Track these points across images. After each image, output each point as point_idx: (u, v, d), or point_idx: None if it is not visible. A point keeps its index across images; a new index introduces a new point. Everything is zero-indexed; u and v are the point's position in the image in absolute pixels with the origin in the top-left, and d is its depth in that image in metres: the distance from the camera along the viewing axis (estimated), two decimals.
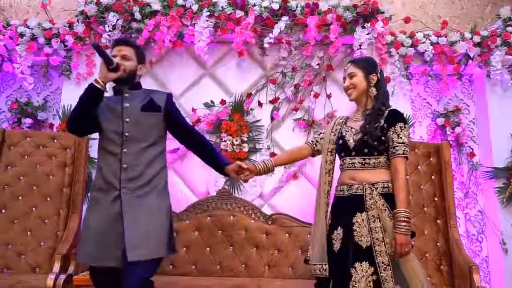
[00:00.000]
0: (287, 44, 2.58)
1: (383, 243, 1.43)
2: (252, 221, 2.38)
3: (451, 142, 2.61)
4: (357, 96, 1.63)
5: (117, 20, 2.55)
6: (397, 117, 1.55)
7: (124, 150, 1.56)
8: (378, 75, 1.62)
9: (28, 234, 2.25)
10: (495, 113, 2.63)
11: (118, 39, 1.81)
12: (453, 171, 2.60)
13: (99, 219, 1.53)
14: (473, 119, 2.77)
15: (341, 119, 1.72)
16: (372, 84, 1.60)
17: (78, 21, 2.60)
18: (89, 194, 1.67)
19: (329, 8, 2.53)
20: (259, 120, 2.65)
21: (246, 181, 1.76)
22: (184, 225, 2.35)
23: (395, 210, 1.44)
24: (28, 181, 2.33)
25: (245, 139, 2.58)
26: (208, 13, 2.53)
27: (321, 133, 1.78)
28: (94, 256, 1.51)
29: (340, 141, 1.61)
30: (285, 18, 2.53)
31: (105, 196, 1.55)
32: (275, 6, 2.54)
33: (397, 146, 1.50)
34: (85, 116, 1.55)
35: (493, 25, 2.72)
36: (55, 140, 2.42)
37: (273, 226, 2.37)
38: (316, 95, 2.61)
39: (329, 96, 2.64)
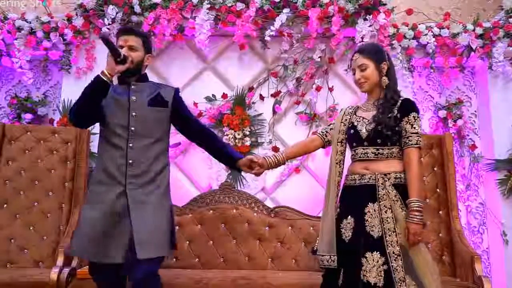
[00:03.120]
0: (288, 37, 2.56)
1: (395, 233, 1.43)
2: (255, 214, 2.38)
3: (453, 134, 2.61)
4: (370, 88, 1.59)
5: (117, 13, 2.53)
6: (410, 107, 1.54)
7: (130, 145, 1.51)
8: (388, 61, 1.58)
9: (31, 228, 2.24)
10: (497, 105, 2.63)
11: (124, 28, 1.67)
12: (455, 163, 2.61)
13: (102, 214, 1.47)
14: (475, 111, 2.77)
15: (350, 109, 1.69)
16: (384, 74, 1.57)
17: (77, 14, 2.57)
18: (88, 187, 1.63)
19: (330, 0, 2.51)
20: (261, 114, 2.64)
21: (258, 174, 1.74)
22: (187, 218, 2.35)
23: (408, 200, 1.44)
24: (30, 176, 2.31)
25: (247, 133, 2.57)
26: (209, 5, 2.51)
27: (331, 123, 1.76)
28: (98, 252, 1.46)
29: (352, 131, 1.59)
30: (286, 10, 2.51)
31: (108, 191, 1.49)
32: None
33: (411, 136, 1.49)
34: (90, 109, 1.49)
35: (495, 16, 2.71)
36: (56, 135, 2.41)
37: (275, 219, 2.37)
38: (318, 88, 2.60)
39: (331, 89, 2.63)
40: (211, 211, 2.37)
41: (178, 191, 2.51)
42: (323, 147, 1.75)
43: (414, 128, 1.50)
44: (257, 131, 2.62)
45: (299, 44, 2.59)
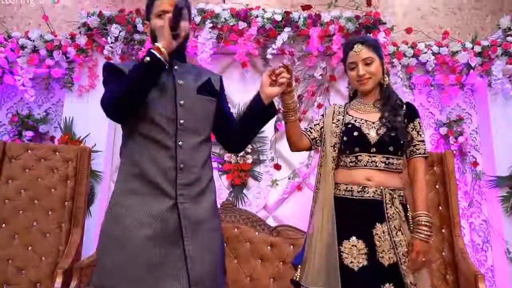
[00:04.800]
0: (290, 55, 2.58)
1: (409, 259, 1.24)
2: (257, 233, 2.35)
3: (454, 151, 2.61)
4: (373, 86, 1.39)
5: (120, 32, 2.55)
6: (416, 111, 1.40)
7: (180, 143, 1.15)
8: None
9: (29, 249, 2.21)
10: (497, 122, 2.64)
11: None
12: (457, 181, 2.60)
13: (146, 237, 1.08)
14: (476, 128, 2.78)
15: (340, 107, 1.48)
16: (385, 71, 1.40)
17: (80, 33, 2.59)
18: (111, 199, 1.19)
19: (331, 19, 2.55)
20: (262, 131, 2.62)
21: (281, 84, 1.27)
22: None
23: (414, 213, 1.27)
24: (29, 195, 2.29)
25: (249, 150, 2.57)
26: (211, 24, 2.54)
27: (315, 122, 1.52)
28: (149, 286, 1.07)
29: (355, 133, 1.35)
30: (287, 29, 2.54)
31: (151, 205, 1.11)
32: (278, 18, 2.55)
33: (418, 144, 1.36)
34: (138, 98, 1.10)
35: (493, 35, 2.75)
36: (57, 153, 2.39)
37: (277, 238, 2.34)
38: (320, 106, 2.61)
39: None
40: None
41: None
42: (310, 148, 1.50)
43: (420, 135, 1.36)
44: (259, 148, 2.61)
45: (300, 62, 2.61)
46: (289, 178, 2.59)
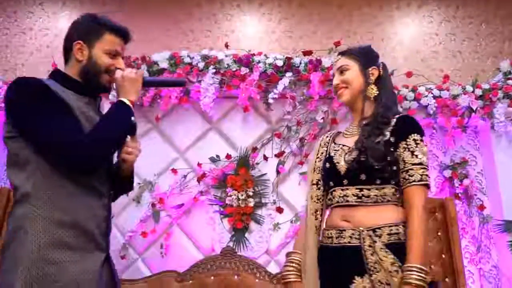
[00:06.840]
0: (291, 99, 2.62)
1: None
2: (257, 280, 2.32)
3: (460, 194, 2.58)
4: (351, 97, 1.18)
5: None
6: (409, 126, 1.12)
7: (111, 192, 1.14)
8: (380, 68, 1.20)
9: None
10: (503, 165, 2.61)
11: (126, 32, 1.15)
12: (463, 224, 2.55)
13: None
14: (481, 170, 2.73)
15: (327, 136, 1.27)
16: (371, 81, 1.17)
17: None
18: (30, 254, 0.95)
19: (332, 64, 2.58)
20: (264, 174, 2.64)
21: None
22: (187, 285, 2.30)
23: (404, 266, 0.98)
24: None
25: (251, 193, 2.56)
26: (214, 70, 2.60)
27: (313, 184, 1.25)
28: None
29: (327, 165, 1.14)
30: (289, 74, 2.59)
31: (87, 260, 0.98)
32: (279, 63, 2.60)
33: (412, 169, 1.05)
34: (114, 151, 1.11)
35: (494, 78, 2.76)
36: None
37: (278, 286, 2.30)
38: None
39: None
40: (212, 277, 2.32)
41: (180, 253, 2.48)
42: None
43: (417, 156, 1.07)
44: (261, 191, 2.60)
45: (302, 105, 2.64)
46: (291, 222, 2.56)
